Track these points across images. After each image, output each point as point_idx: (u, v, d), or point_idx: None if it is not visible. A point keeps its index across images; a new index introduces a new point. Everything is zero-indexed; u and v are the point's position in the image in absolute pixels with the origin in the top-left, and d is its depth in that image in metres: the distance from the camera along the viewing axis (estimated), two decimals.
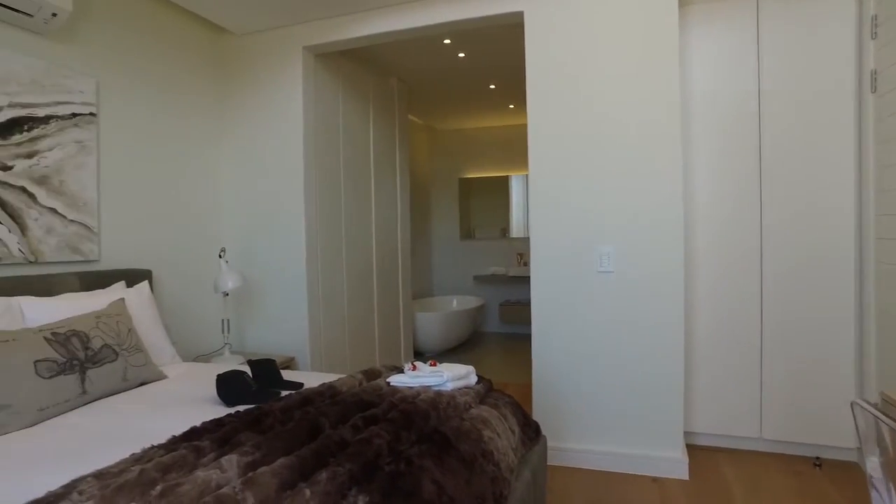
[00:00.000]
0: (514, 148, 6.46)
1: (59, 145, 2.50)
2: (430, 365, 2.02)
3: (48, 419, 1.71)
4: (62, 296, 2.27)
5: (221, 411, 1.72)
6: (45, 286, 2.34)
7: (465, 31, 3.40)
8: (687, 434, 2.93)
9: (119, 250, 2.80)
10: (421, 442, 1.48)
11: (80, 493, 1.13)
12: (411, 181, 6.22)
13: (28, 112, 2.39)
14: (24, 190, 2.36)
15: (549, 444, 2.77)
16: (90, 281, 2.51)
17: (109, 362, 1.94)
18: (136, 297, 2.45)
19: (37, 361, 1.73)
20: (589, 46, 2.71)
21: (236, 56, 3.47)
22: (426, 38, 3.51)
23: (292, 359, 3.29)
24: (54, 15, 2.37)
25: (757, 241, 2.82)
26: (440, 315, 5.26)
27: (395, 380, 1.94)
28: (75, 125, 2.57)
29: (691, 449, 2.87)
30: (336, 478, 1.18)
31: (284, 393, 1.94)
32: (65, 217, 2.52)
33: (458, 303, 6.50)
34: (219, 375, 1.85)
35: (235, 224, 3.50)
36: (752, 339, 2.83)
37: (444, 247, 6.89)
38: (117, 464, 1.27)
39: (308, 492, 1.12)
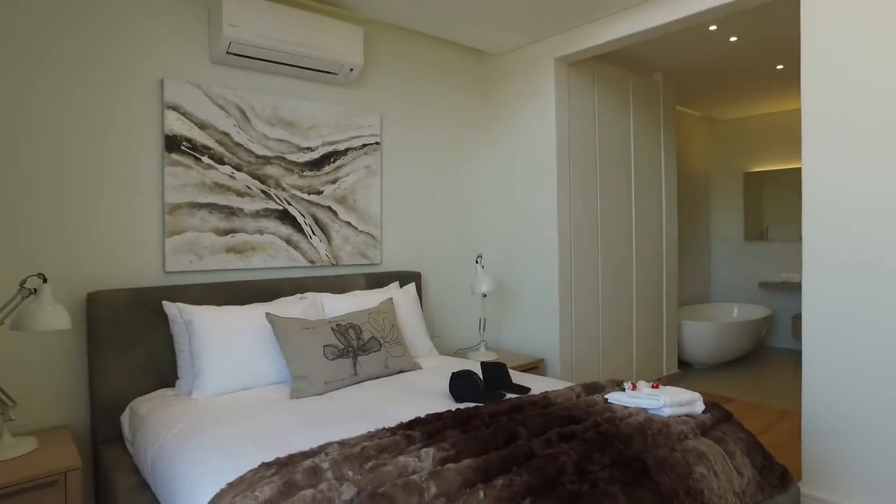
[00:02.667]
0: None
1: (353, 171, 3.13)
2: (653, 387, 1.93)
3: (330, 391, 2.21)
4: (350, 293, 2.86)
5: (449, 405, 1.97)
6: (340, 284, 2.98)
7: (732, 14, 3.05)
8: None
9: (396, 255, 3.36)
10: (614, 466, 1.47)
11: (326, 454, 1.47)
12: (685, 177, 5.79)
13: (333, 147, 3.06)
14: (329, 209, 3.04)
15: (816, 493, 2.33)
16: (372, 281, 3.09)
17: (375, 351, 2.39)
18: (404, 297, 2.92)
19: (325, 346, 2.25)
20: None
21: (493, 76, 3.78)
22: (688, 29, 3.26)
23: (541, 361, 3.45)
24: (351, 70, 2.98)
25: None
26: (713, 325, 4.79)
27: (613, 397, 1.92)
28: (365, 153, 3.19)
29: None
30: (511, 486, 1.28)
31: (509, 395, 2.11)
32: (356, 228, 3.15)
33: (738, 312, 5.80)
34: (453, 374, 2.11)
35: (494, 230, 3.83)
36: None
37: (725, 249, 6.20)
38: (357, 437, 1.60)
39: (482, 493, 1.25)
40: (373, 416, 1.87)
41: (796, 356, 5.35)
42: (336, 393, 2.19)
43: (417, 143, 3.49)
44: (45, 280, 1.96)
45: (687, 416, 1.82)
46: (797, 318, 5.33)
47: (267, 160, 2.83)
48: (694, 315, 5.70)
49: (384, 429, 1.66)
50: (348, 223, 3.12)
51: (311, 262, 2.98)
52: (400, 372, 2.50)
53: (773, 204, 5.83)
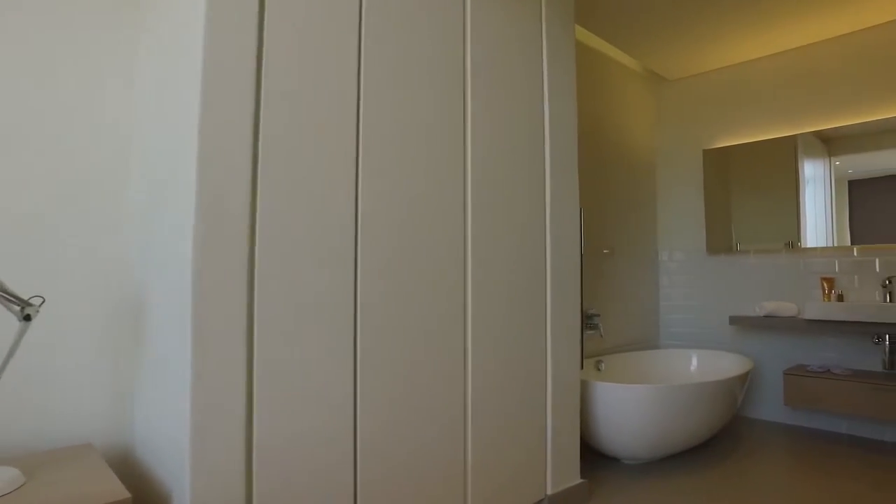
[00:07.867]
0: (829, 81, 3.59)
1: None
2: None
3: None
4: None
5: None
6: None
7: None
8: None
9: None
10: None
11: None
12: (619, 158, 3.84)
13: None
14: None
15: None
16: None
17: None
18: None
19: None
20: None
21: None
22: None
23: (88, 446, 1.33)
24: None
25: None
26: (652, 390, 2.74)
27: None
28: None
29: None
30: None
31: None
32: None
33: (699, 364, 3.78)
34: None
35: (115, 190, 1.76)
36: None
37: (679, 267, 4.22)
38: None
39: None
40: None
41: (797, 437, 3.29)
42: None
43: None
44: None
45: None
46: (792, 375, 3.30)
47: None
48: (618, 371, 3.66)
49: None
50: None
51: None
52: None
53: (750, 197, 3.88)
